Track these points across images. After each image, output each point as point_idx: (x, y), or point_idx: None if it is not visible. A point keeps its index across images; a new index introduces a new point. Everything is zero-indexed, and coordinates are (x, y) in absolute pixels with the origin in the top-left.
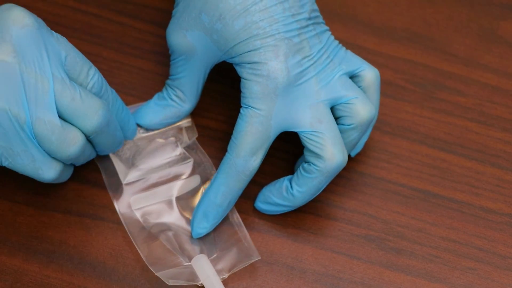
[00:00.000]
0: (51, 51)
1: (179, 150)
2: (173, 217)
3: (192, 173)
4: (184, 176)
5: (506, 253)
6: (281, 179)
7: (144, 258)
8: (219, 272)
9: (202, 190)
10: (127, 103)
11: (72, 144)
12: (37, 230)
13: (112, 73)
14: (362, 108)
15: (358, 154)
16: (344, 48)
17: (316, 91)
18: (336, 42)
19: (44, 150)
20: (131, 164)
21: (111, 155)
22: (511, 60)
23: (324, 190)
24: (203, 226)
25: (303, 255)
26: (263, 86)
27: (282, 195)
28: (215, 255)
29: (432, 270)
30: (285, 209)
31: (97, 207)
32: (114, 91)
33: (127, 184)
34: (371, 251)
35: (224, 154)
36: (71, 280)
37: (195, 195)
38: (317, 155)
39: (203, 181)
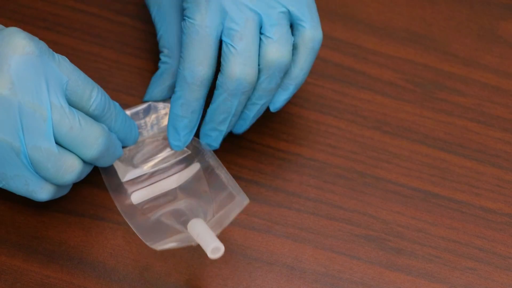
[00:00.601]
0: (51, 78)
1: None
2: (176, 203)
3: (191, 162)
4: (183, 168)
5: (506, 253)
6: None
7: (142, 238)
8: (216, 229)
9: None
10: (127, 103)
11: (68, 172)
12: (37, 230)
13: (112, 73)
14: (274, 51)
15: (358, 154)
16: None
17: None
18: None
19: (40, 175)
20: (130, 162)
21: None
22: (511, 60)
23: (324, 190)
24: (176, 138)
25: (303, 255)
26: None
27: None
28: (213, 217)
29: (432, 270)
30: (212, 132)
31: (97, 207)
32: (117, 105)
33: (127, 182)
34: (371, 251)
35: (225, 155)
36: (71, 280)
37: (198, 180)
38: (222, 69)
39: (204, 168)
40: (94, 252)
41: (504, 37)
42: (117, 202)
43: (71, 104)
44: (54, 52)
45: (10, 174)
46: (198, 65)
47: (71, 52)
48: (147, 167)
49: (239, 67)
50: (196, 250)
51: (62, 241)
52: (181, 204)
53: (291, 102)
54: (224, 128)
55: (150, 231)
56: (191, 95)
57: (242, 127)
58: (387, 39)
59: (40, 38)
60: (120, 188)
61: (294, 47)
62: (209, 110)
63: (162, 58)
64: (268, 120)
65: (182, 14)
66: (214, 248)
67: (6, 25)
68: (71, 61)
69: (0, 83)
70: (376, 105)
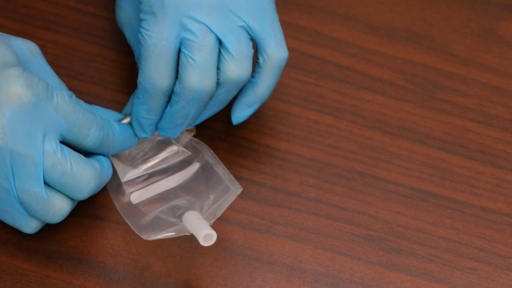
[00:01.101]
0: (46, 124)
1: (177, 147)
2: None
3: (191, 162)
4: (182, 168)
5: (506, 253)
6: None
7: (136, 231)
8: (209, 219)
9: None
10: (127, 103)
11: (57, 214)
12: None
13: (112, 73)
14: (234, 69)
15: (358, 154)
16: (270, 5)
17: (208, 12)
18: None
19: (28, 214)
20: (129, 162)
21: (110, 156)
22: (511, 60)
23: (324, 190)
24: (142, 132)
25: (303, 255)
26: (150, 5)
27: None
28: (208, 209)
29: (432, 270)
30: (170, 130)
31: (97, 207)
32: (116, 128)
33: (127, 182)
34: (371, 251)
35: (225, 155)
36: (71, 280)
37: (197, 179)
38: (180, 79)
39: (203, 166)
40: (94, 252)
41: (504, 37)
42: (116, 202)
43: (68, 142)
44: (55, 92)
45: (0, 208)
46: (159, 78)
47: (71, 52)
48: (146, 168)
49: (197, 78)
50: (196, 250)
51: (62, 241)
52: (179, 201)
53: (291, 102)
54: (181, 127)
55: (146, 225)
56: (154, 103)
57: (190, 125)
58: (387, 39)
59: (40, 38)
60: (119, 188)
61: (259, 65)
62: (167, 112)
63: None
64: (268, 120)
65: None
66: (206, 235)
67: (6, 25)
68: (71, 61)
69: None
70: (376, 105)
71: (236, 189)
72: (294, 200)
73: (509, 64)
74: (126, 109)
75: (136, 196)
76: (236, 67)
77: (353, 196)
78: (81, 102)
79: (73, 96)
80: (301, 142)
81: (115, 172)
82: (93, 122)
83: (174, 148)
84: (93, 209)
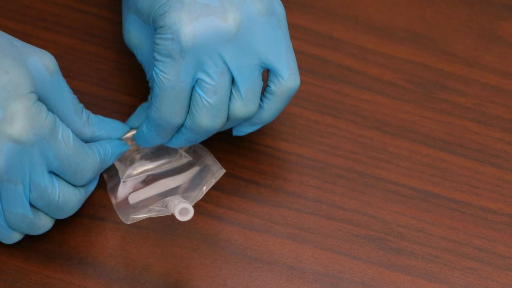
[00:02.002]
0: (42, 161)
1: (178, 151)
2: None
3: (191, 166)
4: (182, 172)
5: (506, 253)
6: None
7: (120, 216)
8: (191, 200)
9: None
10: (127, 103)
11: (41, 229)
12: None
13: (112, 73)
14: (242, 108)
15: (358, 154)
16: (284, 32)
17: (226, 51)
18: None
19: (13, 229)
20: (130, 162)
21: None
22: (511, 60)
23: (324, 190)
24: (145, 145)
25: (303, 255)
26: (168, 49)
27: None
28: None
29: (432, 270)
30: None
31: (97, 207)
32: (111, 161)
33: (125, 182)
34: (371, 251)
35: (225, 155)
36: (71, 280)
37: (195, 181)
38: (192, 116)
39: (202, 170)
40: (94, 252)
41: (504, 37)
42: (113, 199)
43: (61, 177)
44: (60, 131)
45: None
46: (175, 117)
47: (71, 52)
48: (146, 169)
49: (210, 119)
50: (196, 250)
51: (62, 241)
52: (173, 196)
53: (291, 102)
54: (185, 145)
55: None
56: (166, 134)
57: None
58: (387, 39)
59: (40, 38)
60: (117, 186)
61: (269, 92)
62: (175, 137)
63: (150, 97)
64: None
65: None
66: (182, 209)
67: (6, 25)
68: (71, 61)
69: None
70: (376, 105)
71: (217, 170)
72: (294, 200)
73: (509, 64)
74: (132, 121)
75: (134, 196)
76: (244, 107)
77: (353, 196)
78: (89, 113)
79: (84, 113)
80: (301, 142)
81: (115, 171)
82: (88, 170)
83: (176, 152)
84: (93, 209)
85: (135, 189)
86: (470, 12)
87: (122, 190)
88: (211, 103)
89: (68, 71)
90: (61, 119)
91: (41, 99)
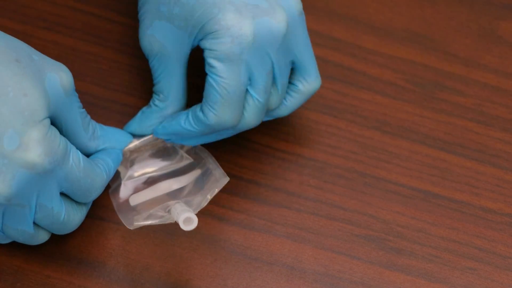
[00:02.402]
0: (53, 185)
1: (179, 152)
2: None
3: (192, 169)
4: (184, 173)
5: (506, 253)
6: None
7: (123, 221)
8: (195, 208)
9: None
10: (127, 103)
11: (38, 242)
12: None
13: (112, 73)
14: (276, 102)
15: (358, 154)
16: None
17: (275, 52)
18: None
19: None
20: (131, 164)
21: None
22: (511, 60)
23: (324, 190)
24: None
25: (303, 255)
26: (228, 53)
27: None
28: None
29: (432, 270)
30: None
31: (97, 207)
32: (112, 170)
33: (126, 183)
34: (371, 251)
35: (225, 155)
36: (71, 280)
37: (196, 185)
38: (242, 117)
39: (204, 173)
40: (94, 252)
41: (504, 37)
42: (114, 201)
43: (68, 196)
44: (71, 155)
45: None
46: (234, 121)
47: (71, 52)
48: (147, 171)
49: (258, 117)
50: (196, 250)
51: (62, 241)
52: (175, 201)
53: None
54: None
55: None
56: (214, 137)
57: None
58: (387, 39)
59: (40, 38)
60: (118, 188)
61: (295, 91)
62: (206, 137)
63: (156, 101)
64: (268, 120)
65: (185, 67)
66: (186, 218)
67: (6, 25)
68: (71, 61)
69: None
70: (376, 105)
71: (222, 178)
72: (294, 200)
73: (509, 64)
74: (133, 126)
75: (135, 198)
76: (279, 101)
77: (353, 196)
78: (95, 125)
79: (91, 127)
80: (301, 142)
81: (116, 173)
82: (98, 187)
83: (177, 153)
84: (93, 209)
85: (136, 191)
86: (470, 12)
87: (123, 192)
88: (262, 102)
89: None
90: (68, 134)
91: (52, 117)
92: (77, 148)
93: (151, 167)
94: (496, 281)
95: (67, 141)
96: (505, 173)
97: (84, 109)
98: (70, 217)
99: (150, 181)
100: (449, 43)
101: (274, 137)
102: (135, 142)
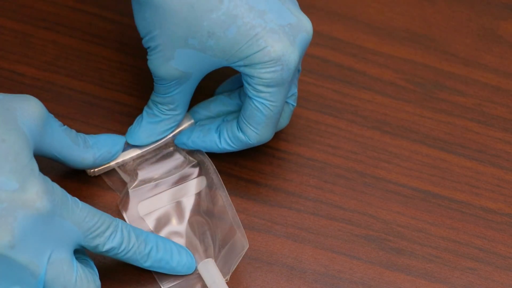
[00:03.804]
0: (60, 233)
1: (182, 155)
2: (181, 221)
3: (198, 175)
4: (190, 178)
5: (506, 253)
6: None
7: (154, 274)
8: (221, 273)
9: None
10: (127, 103)
11: None
12: None
13: (112, 73)
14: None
15: (358, 154)
16: None
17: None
18: None
19: None
20: (136, 173)
21: (116, 168)
22: (511, 60)
23: (324, 190)
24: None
25: (303, 255)
26: (279, 79)
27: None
28: (217, 254)
29: (432, 270)
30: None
31: (97, 207)
32: (143, 236)
33: (134, 191)
34: (371, 251)
35: (225, 155)
36: None
37: (203, 197)
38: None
39: (208, 184)
40: (94, 252)
41: (504, 37)
42: (124, 211)
43: (85, 247)
44: (68, 196)
45: None
46: (273, 135)
47: (71, 52)
48: (153, 177)
49: (290, 118)
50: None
51: None
52: (188, 227)
53: None
54: None
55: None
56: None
57: None
58: (387, 39)
59: (40, 38)
60: (127, 198)
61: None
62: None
63: (164, 110)
64: None
65: (200, 80)
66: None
67: (6, 25)
68: (71, 61)
69: (0, 234)
70: (376, 105)
71: (243, 244)
72: (294, 200)
73: (509, 64)
74: (139, 138)
75: (144, 206)
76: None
77: (353, 196)
78: (83, 136)
79: (80, 139)
80: (301, 142)
81: (122, 182)
82: (109, 225)
83: (180, 156)
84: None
85: (144, 198)
86: (470, 12)
87: (132, 201)
88: (294, 105)
89: (68, 71)
90: (62, 153)
91: (39, 147)
92: (76, 163)
93: (156, 172)
94: (496, 281)
95: (61, 188)
96: (505, 173)
97: (65, 126)
98: (84, 283)
99: (157, 187)
100: (449, 43)
101: (274, 137)
102: (137, 151)
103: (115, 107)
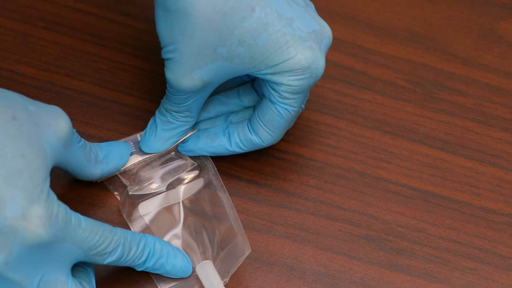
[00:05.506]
0: (58, 253)
1: (183, 158)
2: (179, 223)
3: (198, 176)
4: (190, 179)
5: (506, 253)
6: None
7: (152, 276)
8: (220, 275)
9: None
10: (127, 103)
11: None
12: None
13: (112, 73)
14: None
15: (358, 154)
16: None
17: None
18: None
19: None
20: (137, 175)
21: (118, 174)
22: (511, 60)
23: (324, 190)
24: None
25: (303, 255)
26: (306, 86)
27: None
28: (216, 256)
29: (432, 270)
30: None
31: (97, 207)
32: (142, 243)
33: (134, 191)
34: (371, 251)
35: (225, 155)
36: None
37: (202, 197)
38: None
39: (206, 184)
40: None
41: (504, 37)
42: (124, 213)
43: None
44: (73, 220)
45: None
46: (283, 135)
47: (71, 52)
48: (154, 179)
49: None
50: None
51: None
52: (186, 229)
53: None
54: None
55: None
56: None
57: None
58: (387, 39)
59: (40, 38)
60: (127, 198)
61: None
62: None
63: (179, 117)
64: None
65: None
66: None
67: (6, 25)
68: (71, 61)
69: None
70: (376, 105)
71: (244, 247)
72: (294, 200)
73: (509, 64)
74: (155, 146)
75: (144, 207)
76: None
77: (353, 196)
78: (95, 149)
79: (92, 154)
80: (301, 142)
81: (123, 184)
82: (110, 241)
83: (181, 160)
84: (93, 209)
85: (144, 199)
86: (470, 12)
87: (132, 203)
88: (303, 107)
89: (68, 71)
90: (73, 169)
91: (55, 164)
92: (83, 177)
93: (156, 174)
94: (497, 281)
95: (65, 205)
96: (505, 173)
97: (82, 140)
98: None
99: (157, 187)
100: (449, 43)
101: None
102: (139, 158)
103: (115, 107)
